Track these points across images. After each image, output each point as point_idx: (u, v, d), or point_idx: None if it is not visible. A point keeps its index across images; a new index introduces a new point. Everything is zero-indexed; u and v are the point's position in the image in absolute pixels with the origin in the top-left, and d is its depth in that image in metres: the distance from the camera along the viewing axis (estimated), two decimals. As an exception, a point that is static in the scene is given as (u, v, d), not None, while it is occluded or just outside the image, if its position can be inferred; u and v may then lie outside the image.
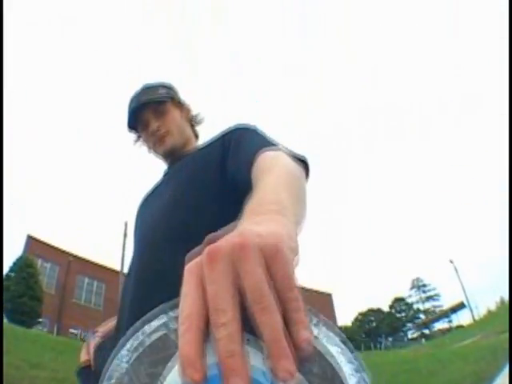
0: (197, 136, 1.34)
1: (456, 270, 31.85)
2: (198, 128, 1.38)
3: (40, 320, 19.42)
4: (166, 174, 1.25)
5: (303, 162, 0.80)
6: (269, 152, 0.79)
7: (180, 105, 1.30)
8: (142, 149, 1.33)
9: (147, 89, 1.25)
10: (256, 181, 0.67)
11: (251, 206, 0.47)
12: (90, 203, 55.69)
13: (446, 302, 45.28)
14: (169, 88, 1.29)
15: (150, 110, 1.21)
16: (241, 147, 0.94)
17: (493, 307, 28.05)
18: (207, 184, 0.99)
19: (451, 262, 32.67)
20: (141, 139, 1.30)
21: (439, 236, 68.97)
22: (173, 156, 1.23)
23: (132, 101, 1.23)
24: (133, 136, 1.32)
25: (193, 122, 1.35)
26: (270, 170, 0.66)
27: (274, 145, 0.86)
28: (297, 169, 0.71)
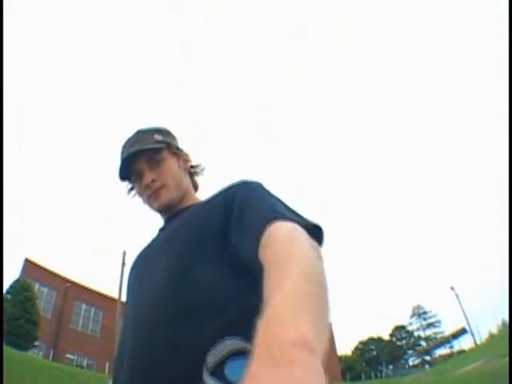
0: (196, 187, 1.25)
1: (457, 296, 31.55)
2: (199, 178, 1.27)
3: (36, 344, 19.12)
4: (162, 229, 1.13)
5: (317, 229, 0.72)
6: (280, 228, 0.68)
7: (177, 152, 1.18)
8: (136, 199, 1.21)
9: (140, 134, 1.13)
10: (269, 276, 0.56)
11: (266, 340, 0.39)
12: (90, 231, 55.53)
13: (447, 328, 44.92)
14: (165, 133, 1.18)
15: (144, 160, 1.09)
16: (245, 214, 0.84)
17: (494, 330, 27.75)
18: (207, 254, 0.87)
19: (452, 288, 32.39)
20: (134, 190, 1.18)
21: (439, 262, 68.65)
22: (169, 211, 1.12)
23: (124, 149, 1.11)
24: (126, 185, 1.21)
25: (192, 171, 1.23)
26: (284, 269, 0.54)
27: (282, 211, 0.77)
28: (316, 259, 0.59)
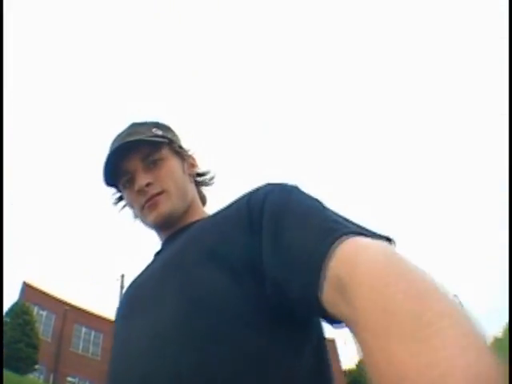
0: (204, 200, 0.98)
1: (461, 304, 31.30)
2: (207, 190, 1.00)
3: (36, 367, 18.80)
4: (159, 253, 0.88)
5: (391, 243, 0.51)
6: (362, 251, 0.43)
7: (181, 152, 0.93)
8: (126, 212, 0.96)
9: (135, 127, 0.90)
10: (397, 350, 0.32)
11: None
12: (88, 254, 55.18)
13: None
14: (165, 129, 0.94)
15: (138, 157, 0.84)
16: (286, 230, 0.57)
17: (500, 334, 27.46)
18: (225, 289, 0.62)
19: (455, 296, 32.15)
20: (123, 200, 0.93)
21: (441, 268, 68.34)
22: (169, 228, 0.87)
23: (113, 143, 0.87)
24: (113, 194, 0.96)
25: (198, 179, 0.97)
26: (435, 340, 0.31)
27: (343, 221, 0.53)
28: (458, 305, 0.36)
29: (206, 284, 0.63)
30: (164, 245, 0.89)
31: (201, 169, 0.99)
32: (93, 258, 54.72)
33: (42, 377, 20.80)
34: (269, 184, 0.72)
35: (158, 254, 0.89)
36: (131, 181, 0.85)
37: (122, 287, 20.61)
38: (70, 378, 23.12)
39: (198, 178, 0.98)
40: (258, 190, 0.72)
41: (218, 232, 0.70)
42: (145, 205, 0.84)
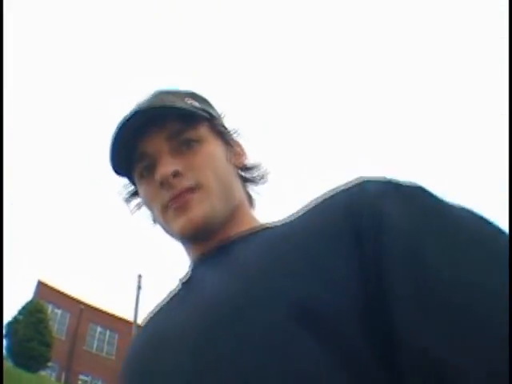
0: (252, 204, 0.70)
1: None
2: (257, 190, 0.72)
3: (49, 365, 18.99)
4: (188, 282, 0.60)
5: None
6: None
7: (225, 135, 0.67)
8: (140, 214, 0.70)
9: (162, 95, 0.63)
10: None
11: None
12: (105, 254, 55.90)
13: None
14: (205, 102, 0.68)
15: (164, 135, 0.58)
16: (442, 284, 0.35)
17: None
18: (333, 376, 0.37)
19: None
20: (139, 195, 0.67)
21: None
22: (203, 242, 0.60)
23: (130, 112, 0.59)
24: (124, 186, 0.70)
25: (246, 174, 0.69)
26: None
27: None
28: None
29: (304, 370, 0.37)
30: (197, 268, 0.61)
31: (250, 160, 0.70)
32: (110, 257, 55.47)
33: (54, 374, 21.05)
34: (370, 182, 0.47)
35: (187, 281, 0.60)
36: (151, 168, 0.59)
37: (139, 287, 20.73)
38: (82, 376, 23.34)
39: (246, 173, 0.69)
40: (354, 190, 0.47)
41: (307, 265, 0.42)
42: (170, 204, 0.57)
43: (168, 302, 0.60)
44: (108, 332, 27.26)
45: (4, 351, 16.40)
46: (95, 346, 26.15)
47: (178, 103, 0.60)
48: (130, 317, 22.64)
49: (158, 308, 0.62)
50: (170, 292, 0.62)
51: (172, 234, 0.62)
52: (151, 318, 0.62)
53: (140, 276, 20.65)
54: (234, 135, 0.70)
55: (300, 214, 0.52)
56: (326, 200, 0.49)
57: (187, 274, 0.62)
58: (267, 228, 0.58)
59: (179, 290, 0.60)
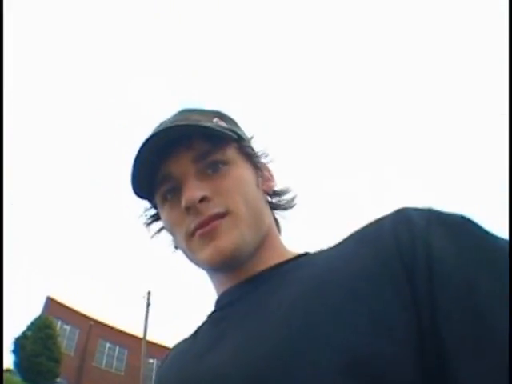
0: (279, 228, 0.67)
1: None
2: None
3: (58, 380, 18.95)
4: (215, 322, 0.56)
5: None
6: None
7: (254, 158, 0.64)
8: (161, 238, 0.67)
9: (187, 113, 0.62)
10: None
11: None
12: (114, 271, 56.00)
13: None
14: (233, 123, 0.65)
15: (191, 156, 0.55)
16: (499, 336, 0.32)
17: None
18: None
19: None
20: (160, 219, 0.64)
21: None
22: (231, 272, 0.57)
23: (156, 132, 0.55)
24: (145, 210, 0.66)
25: (274, 200, 0.67)
26: None
27: None
28: None
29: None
30: (224, 303, 0.57)
31: (279, 185, 0.67)
32: (119, 274, 55.56)
33: (63, 390, 20.96)
34: (412, 211, 0.45)
35: (219, 318, 0.56)
36: (176, 191, 0.56)
37: (148, 304, 20.76)
38: (92, 393, 23.11)
39: (274, 199, 0.66)
40: (398, 220, 0.44)
41: (356, 312, 0.39)
42: (195, 231, 0.54)
43: (198, 338, 0.57)
44: (117, 348, 27.16)
45: (13, 366, 16.50)
46: (104, 361, 26.05)
47: (205, 122, 0.57)
48: (139, 333, 22.79)
49: (187, 344, 0.60)
50: (198, 327, 0.60)
51: (197, 263, 0.59)
52: (178, 351, 0.60)
53: (149, 293, 20.93)
54: (262, 158, 0.67)
55: (340, 244, 0.50)
56: (368, 231, 0.47)
57: (218, 308, 0.59)
58: (302, 257, 0.56)
59: (210, 326, 0.56)
